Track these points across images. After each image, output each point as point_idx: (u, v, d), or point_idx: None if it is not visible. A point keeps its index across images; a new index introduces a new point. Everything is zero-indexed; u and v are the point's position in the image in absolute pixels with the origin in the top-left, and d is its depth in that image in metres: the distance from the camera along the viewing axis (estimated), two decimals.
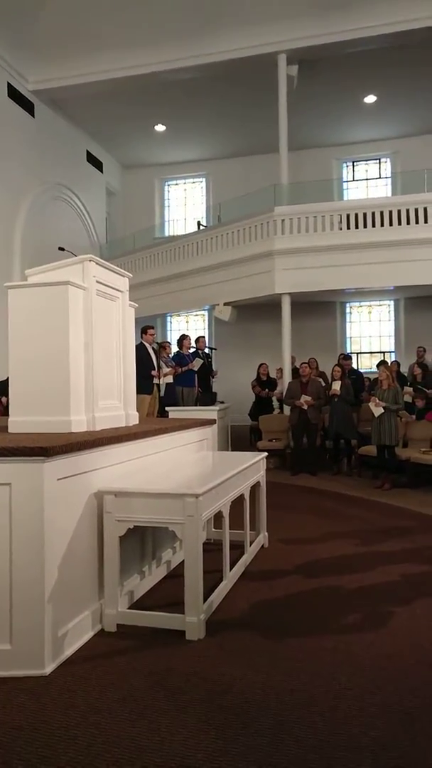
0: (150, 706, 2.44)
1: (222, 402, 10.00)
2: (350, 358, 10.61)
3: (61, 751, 2.14)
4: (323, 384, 9.65)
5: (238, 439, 10.15)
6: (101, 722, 2.32)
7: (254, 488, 4.72)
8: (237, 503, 4.20)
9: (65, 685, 2.62)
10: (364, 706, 2.44)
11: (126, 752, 2.13)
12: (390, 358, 13.98)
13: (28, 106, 12.59)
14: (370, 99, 13.32)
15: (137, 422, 4.64)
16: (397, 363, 11.28)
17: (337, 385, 8.46)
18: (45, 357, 3.65)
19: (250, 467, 4.49)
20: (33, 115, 12.75)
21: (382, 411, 7.41)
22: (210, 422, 5.61)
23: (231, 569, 3.91)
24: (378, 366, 8.98)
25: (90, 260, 3.91)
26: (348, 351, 14.88)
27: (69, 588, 2.97)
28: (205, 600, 3.27)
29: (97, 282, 3.96)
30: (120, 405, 4.35)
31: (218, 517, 3.73)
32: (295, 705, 2.44)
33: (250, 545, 4.51)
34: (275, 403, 10.40)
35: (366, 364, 14.59)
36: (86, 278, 3.88)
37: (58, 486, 2.90)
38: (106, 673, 2.73)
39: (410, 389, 8.55)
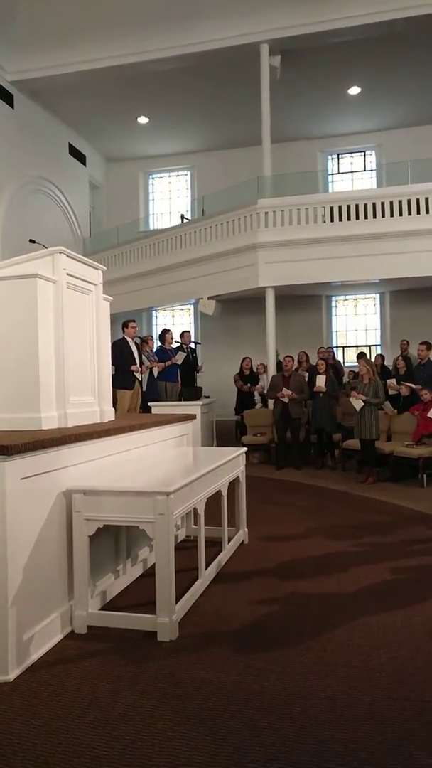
0: (114, 713, 2.36)
1: (207, 397, 9.93)
2: (329, 350, 10.55)
3: (18, 764, 2.05)
4: (306, 378, 9.58)
5: (224, 434, 10.07)
6: (62, 730, 2.24)
7: (234, 484, 4.65)
8: (217, 499, 4.13)
9: (29, 691, 2.54)
10: (335, 708, 2.37)
11: (86, 762, 2.05)
12: (376, 352, 13.94)
13: (7, 97, 12.36)
14: (354, 90, 13.22)
15: (113, 418, 4.54)
16: (381, 357, 11.23)
17: (321, 381, 8.38)
18: (14, 352, 3.56)
19: (229, 463, 4.41)
20: (12, 107, 12.52)
21: (362, 404, 7.36)
22: (190, 417, 5.52)
23: (207, 568, 3.83)
24: (358, 359, 8.92)
25: (60, 252, 3.81)
26: (334, 345, 14.84)
27: (36, 590, 2.88)
28: (178, 600, 3.20)
29: (68, 275, 3.85)
30: (94, 401, 4.25)
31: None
32: (264, 708, 2.37)
33: (228, 542, 4.43)
34: (257, 398, 10.32)
35: (352, 358, 14.54)
36: (56, 271, 3.78)
37: (22, 485, 2.81)
38: (72, 677, 2.65)
39: (393, 381, 8.49)
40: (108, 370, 4.55)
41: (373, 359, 10.19)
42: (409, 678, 2.60)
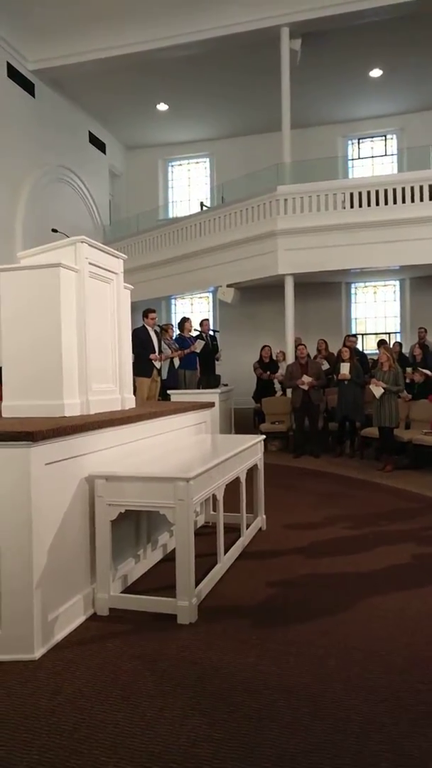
0: (136, 691, 2.43)
1: (225, 385, 9.96)
2: (355, 337, 10.49)
3: (44, 737, 2.14)
4: (327, 365, 9.56)
5: (242, 422, 10.12)
6: (86, 707, 2.32)
7: (252, 471, 4.70)
8: (236, 486, 4.18)
9: (54, 669, 2.63)
10: (352, 690, 2.42)
11: (109, 737, 2.13)
12: (395, 339, 13.84)
13: (28, 87, 12.41)
14: (376, 73, 13.02)
15: (134, 406, 4.61)
16: (399, 344, 11.15)
17: (345, 368, 8.32)
18: (37, 340, 3.62)
19: (247, 450, 4.46)
20: (33, 96, 12.58)
21: (383, 392, 7.34)
22: (208, 405, 5.57)
23: (226, 553, 3.89)
24: (378, 346, 8.86)
25: (82, 242, 3.85)
26: (353, 332, 14.75)
27: (60, 573, 2.97)
28: (197, 584, 3.26)
29: (90, 264, 3.90)
30: (115, 388, 4.32)
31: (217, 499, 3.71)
32: (282, 689, 2.43)
33: (247, 528, 4.49)
34: (277, 386, 10.33)
35: (372, 345, 14.45)
36: (78, 260, 3.83)
37: (47, 470, 2.88)
38: (95, 657, 2.73)
39: (409, 370, 8.46)
40: (129, 358, 4.60)
41: (391, 347, 10.13)
42: (426, 661, 2.63)
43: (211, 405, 5.66)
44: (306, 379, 8.45)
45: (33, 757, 2.03)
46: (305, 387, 8.46)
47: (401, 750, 2.05)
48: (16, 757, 2.04)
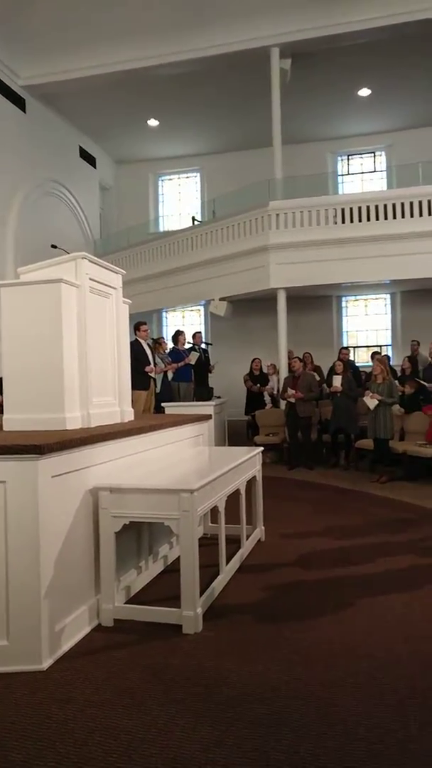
0: (146, 700, 2.46)
1: (219, 397, 10.02)
2: (347, 350, 10.61)
3: (58, 745, 2.16)
4: (317, 378, 9.65)
5: (235, 434, 10.17)
6: (98, 715, 2.35)
7: (250, 483, 4.75)
8: (234, 498, 4.22)
9: (62, 679, 2.65)
10: (360, 696, 2.46)
11: (122, 745, 2.16)
12: (386, 352, 13.98)
13: (19, 102, 12.52)
14: (365, 92, 13.28)
15: (132, 418, 4.65)
16: (387, 357, 11.27)
17: (338, 381, 8.44)
18: (39, 355, 3.66)
19: (246, 462, 4.51)
20: (24, 111, 12.69)
21: (377, 404, 7.44)
22: (205, 418, 5.62)
23: (227, 563, 3.93)
24: (372, 358, 8.96)
25: (83, 258, 3.91)
26: (345, 345, 14.89)
27: (65, 584, 2.99)
28: (201, 594, 3.29)
29: (90, 279, 3.96)
30: (115, 401, 4.36)
31: (215, 511, 3.75)
32: (290, 696, 2.47)
33: (247, 539, 4.53)
34: (267, 398, 10.42)
35: (363, 358, 14.59)
36: (79, 276, 3.88)
37: (53, 483, 2.92)
38: (103, 667, 2.76)
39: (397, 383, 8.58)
40: (128, 371, 4.66)
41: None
42: (430, 668, 2.68)
43: (209, 417, 5.71)
44: (290, 392, 8.53)
45: (49, 764, 2.06)
46: (291, 400, 8.54)
47: (410, 753, 2.09)
48: (33, 764, 2.06)
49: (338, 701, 2.42)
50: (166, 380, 9.25)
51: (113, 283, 4.38)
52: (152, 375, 8.35)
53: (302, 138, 14.63)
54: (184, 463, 4.28)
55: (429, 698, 2.44)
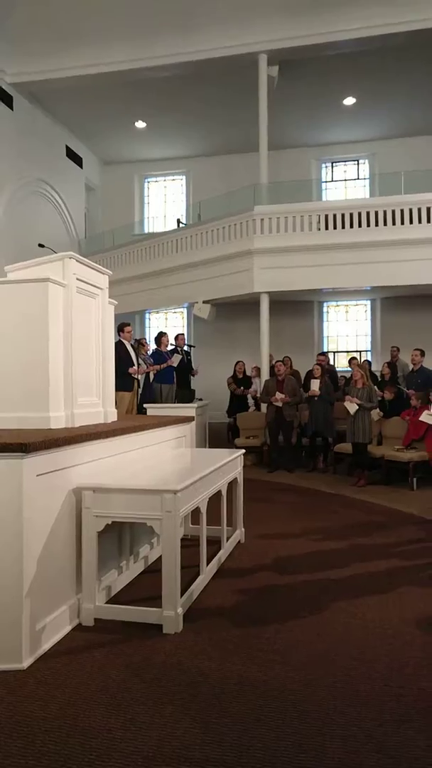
0: (126, 698, 2.49)
1: (200, 399, 10.05)
2: (325, 355, 10.73)
3: (38, 743, 2.17)
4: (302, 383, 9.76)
5: (216, 437, 10.20)
6: (78, 714, 2.36)
7: (231, 484, 4.79)
8: (214, 499, 4.26)
9: (43, 678, 2.66)
10: (336, 694, 2.52)
11: (103, 744, 2.18)
12: (365, 357, 14.15)
13: (6, 99, 12.44)
14: (350, 101, 13.46)
15: (116, 419, 4.67)
16: (368, 362, 11.42)
17: (315, 385, 8.57)
18: (24, 353, 3.66)
19: (228, 464, 4.55)
20: (12, 108, 12.61)
21: (357, 408, 7.54)
22: (188, 419, 5.66)
23: (208, 564, 3.96)
24: (350, 363, 9.09)
25: (70, 257, 3.93)
26: (325, 350, 15.03)
27: (47, 583, 3.00)
28: (182, 594, 3.32)
29: (77, 279, 3.97)
30: (99, 402, 4.37)
31: (196, 512, 3.78)
32: (269, 695, 2.51)
33: (227, 541, 4.57)
34: (250, 401, 10.49)
35: (343, 363, 14.74)
36: (66, 275, 3.89)
37: (38, 482, 2.93)
38: (83, 666, 2.77)
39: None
40: (112, 372, 4.67)
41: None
42: (404, 667, 2.75)
43: (192, 419, 5.74)
44: (279, 395, 8.61)
45: (29, 762, 2.07)
46: (279, 403, 8.62)
47: (385, 750, 2.14)
48: (12, 763, 2.07)
49: (315, 699, 2.47)
50: (148, 381, 9.27)
51: (100, 284, 4.40)
52: (135, 376, 8.35)
53: (287, 144, 14.77)
54: (167, 464, 4.31)
55: (403, 696, 2.50)
